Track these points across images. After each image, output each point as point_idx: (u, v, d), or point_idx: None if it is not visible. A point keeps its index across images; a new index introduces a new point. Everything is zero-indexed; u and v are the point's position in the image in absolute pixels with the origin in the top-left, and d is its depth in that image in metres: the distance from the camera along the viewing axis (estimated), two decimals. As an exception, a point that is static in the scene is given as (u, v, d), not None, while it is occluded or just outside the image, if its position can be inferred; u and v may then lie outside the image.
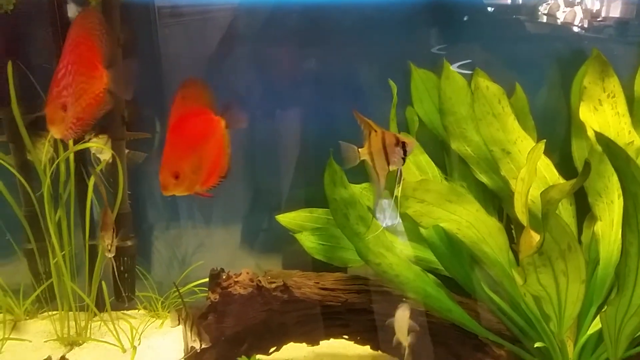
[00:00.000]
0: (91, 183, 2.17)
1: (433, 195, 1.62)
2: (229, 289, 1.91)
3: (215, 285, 1.96)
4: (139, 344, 2.17)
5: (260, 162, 2.39)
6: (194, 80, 1.31)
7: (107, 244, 1.84)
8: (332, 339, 2.01)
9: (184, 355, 1.84)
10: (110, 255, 1.87)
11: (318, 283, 1.93)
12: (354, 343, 2.02)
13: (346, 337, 2.00)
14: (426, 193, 1.61)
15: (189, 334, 1.77)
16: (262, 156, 2.37)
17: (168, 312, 2.37)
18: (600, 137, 1.31)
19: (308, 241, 1.96)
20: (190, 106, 1.25)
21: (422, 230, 1.81)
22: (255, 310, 1.89)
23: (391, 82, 2.01)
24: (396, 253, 1.81)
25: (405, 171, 1.51)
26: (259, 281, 1.91)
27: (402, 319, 1.61)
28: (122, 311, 2.37)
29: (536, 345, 1.62)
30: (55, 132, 1.29)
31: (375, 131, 1.42)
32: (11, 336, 2.24)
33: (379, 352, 2.01)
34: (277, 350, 1.95)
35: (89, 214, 2.20)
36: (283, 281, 1.90)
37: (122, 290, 2.33)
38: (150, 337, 2.27)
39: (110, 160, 2.32)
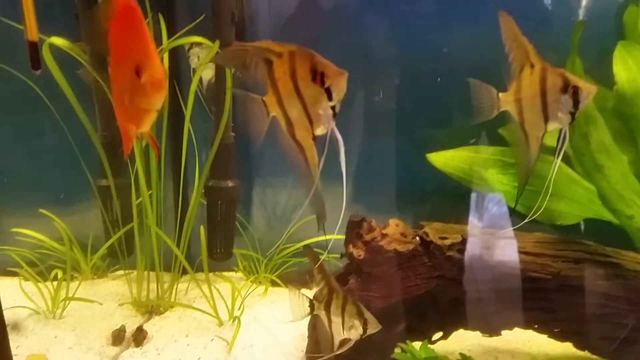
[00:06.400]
0: (190, 102, 1.66)
1: None
2: (379, 243, 1.33)
3: (356, 238, 1.39)
4: (240, 315, 1.60)
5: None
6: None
7: None
8: (515, 329, 1.40)
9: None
10: None
11: (513, 244, 1.32)
12: (548, 337, 1.40)
13: (536, 326, 1.39)
14: None
15: (335, 318, 1.14)
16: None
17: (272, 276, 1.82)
18: None
19: (498, 182, 1.35)
20: None
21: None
22: (419, 276, 1.30)
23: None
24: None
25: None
26: (425, 234, 1.32)
27: None
28: (215, 273, 1.83)
29: None
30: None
31: (533, 65, 0.91)
32: (76, 296, 1.74)
33: (585, 353, 1.39)
34: (444, 337, 1.35)
35: (185, 141, 1.69)
36: (462, 236, 1.30)
37: (217, 244, 1.79)
38: (255, 307, 1.71)
39: (213, 80, 1.82)
